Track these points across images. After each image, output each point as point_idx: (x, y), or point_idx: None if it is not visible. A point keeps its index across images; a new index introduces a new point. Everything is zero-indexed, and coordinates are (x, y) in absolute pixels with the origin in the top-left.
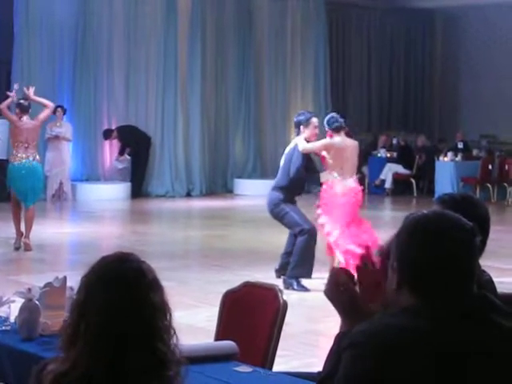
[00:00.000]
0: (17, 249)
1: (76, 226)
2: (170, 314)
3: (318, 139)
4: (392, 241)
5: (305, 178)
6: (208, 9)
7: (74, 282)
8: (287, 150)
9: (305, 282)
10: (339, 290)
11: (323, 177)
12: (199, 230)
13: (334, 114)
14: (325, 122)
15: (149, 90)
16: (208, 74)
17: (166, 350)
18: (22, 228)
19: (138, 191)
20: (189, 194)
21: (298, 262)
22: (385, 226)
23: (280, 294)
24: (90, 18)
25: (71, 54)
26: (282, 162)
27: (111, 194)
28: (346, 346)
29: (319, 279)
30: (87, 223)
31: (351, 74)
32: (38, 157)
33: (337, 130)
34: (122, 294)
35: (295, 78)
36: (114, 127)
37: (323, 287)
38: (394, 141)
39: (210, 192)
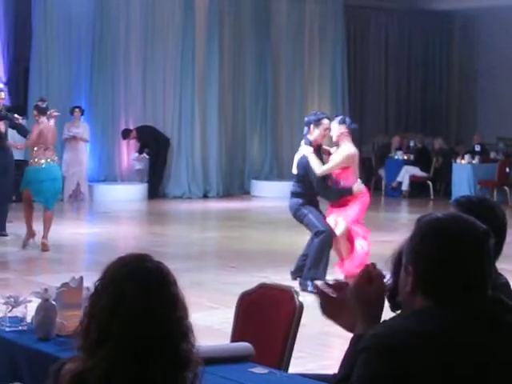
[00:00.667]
0: (25, 245)
1: (93, 227)
2: (189, 314)
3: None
4: (405, 244)
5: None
6: (225, 10)
7: (90, 282)
8: (297, 157)
9: None
10: (361, 288)
11: (358, 188)
12: (216, 231)
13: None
14: (341, 120)
15: (166, 91)
16: (225, 75)
17: (190, 349)
18: (33, 228)
19: (155, 192)
20: (205, 196)
21: (313, 264)
22: (402, 228)
23: (296, 296)
24: (108, 17)
25: (88, 54)
26: (294, 170)
27: (128, 194)
28: (360, 349)
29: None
30: (104, 224)
31: (369, 76)
32: (56, 158)
33: (352, 133)
34: (151, 294)
35: (313, 79)
36: (131, 127)
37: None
38: (411, 143)
39: (227, 193)
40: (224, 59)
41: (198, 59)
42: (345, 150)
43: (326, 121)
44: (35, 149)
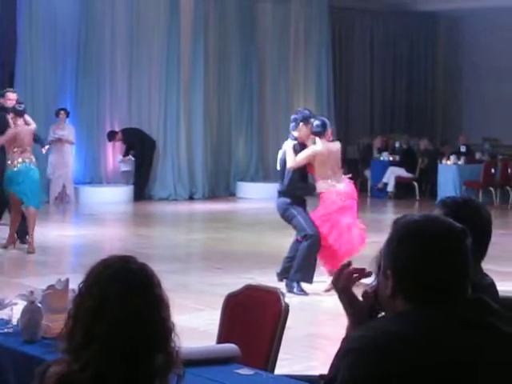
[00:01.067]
0: (5, 248)
1: (79, 229)
2: (172, 315)
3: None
4: (383, 247)
5: (301, 181)
6: (210, 13)
7: (76, 284)
8: (280, 154)
9: (306, 286)
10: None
11: (320, 187)
12: (202, 233)
13: (323, 119)
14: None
15: (151, 93)
16: (211, 77)
17: (174, 350)
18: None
19: (141, 194)
20: (191, 197)
21: (300, 267)
22: (387, 229)
23: (282, 297)
24: (93, 21)
25: (74, 57)
26: (278, 166)
27: (114, 196)
28: (344, 352)
29: (322, 282)
30: (90, 226)
31: (354, 78)
32: (34, 160)
33: (318, 135)
34: (136, 296)
35: (298, 81)
36: (117, 129)
37: (327, 290)
38: (397, 144)
39: (213, 195)
40: (209, 61)
41: (183, 61)
42: (310, 148)
43: (313, 120)
44: (12, 151)
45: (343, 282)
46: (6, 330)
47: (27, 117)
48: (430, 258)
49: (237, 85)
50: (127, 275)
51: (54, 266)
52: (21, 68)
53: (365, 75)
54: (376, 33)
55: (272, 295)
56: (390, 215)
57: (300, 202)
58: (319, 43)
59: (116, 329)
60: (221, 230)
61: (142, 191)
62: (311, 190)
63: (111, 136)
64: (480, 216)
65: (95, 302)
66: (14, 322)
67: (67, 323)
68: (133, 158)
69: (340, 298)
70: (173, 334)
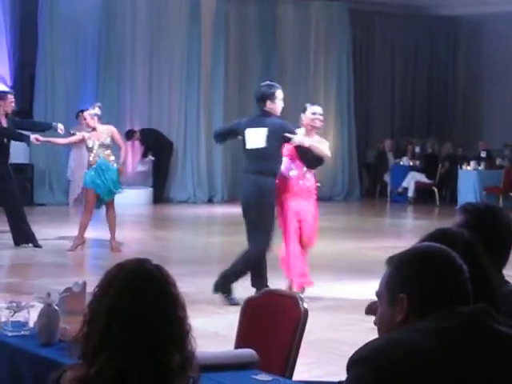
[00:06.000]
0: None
1: (97, 231)
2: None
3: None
4: (386, 277)
5: None
6: (231, 17)
7: (93, 287)
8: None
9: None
10: None
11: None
12: (221, 236)
13: None
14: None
15: (172, 95)
16: (231, 79)
17: (190, 351)
18: None
19: (160, 197)
20: (210, 200)
21: None
22: (406, 234)
23: (301, 302)
24: (114, 22)
25: (95, 58)
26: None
27: (133, 199)
28: (351, 363)
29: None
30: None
31: (374, 82)
32: None
33: None
34: (152, 296)
35: (318, 85)
36: (136, 130)
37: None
38: (417, 149)
39: (232, 198)
40: (230, 64)
41: (203, 63)
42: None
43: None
44: None
45: None
46: (22, 333)
47: None
48: (439, 273)
49: (257, 87)
50: (143, 275)
51: (71, 268)
52: (41, 69)
53: (385, 79)
54: (397, 37)
55: (291, 300)
56: (409, 220)
57: None
58: (340, 47)
59: (132, 328)
60: (240, 234)
61: (161, 194)
62: None
63: (129, 135)
64: (501, 222)
65: (111, 304)
66: (31, 324)
67: (83, 328)
68: (152, 158)
69: None
70: (189, 335)
